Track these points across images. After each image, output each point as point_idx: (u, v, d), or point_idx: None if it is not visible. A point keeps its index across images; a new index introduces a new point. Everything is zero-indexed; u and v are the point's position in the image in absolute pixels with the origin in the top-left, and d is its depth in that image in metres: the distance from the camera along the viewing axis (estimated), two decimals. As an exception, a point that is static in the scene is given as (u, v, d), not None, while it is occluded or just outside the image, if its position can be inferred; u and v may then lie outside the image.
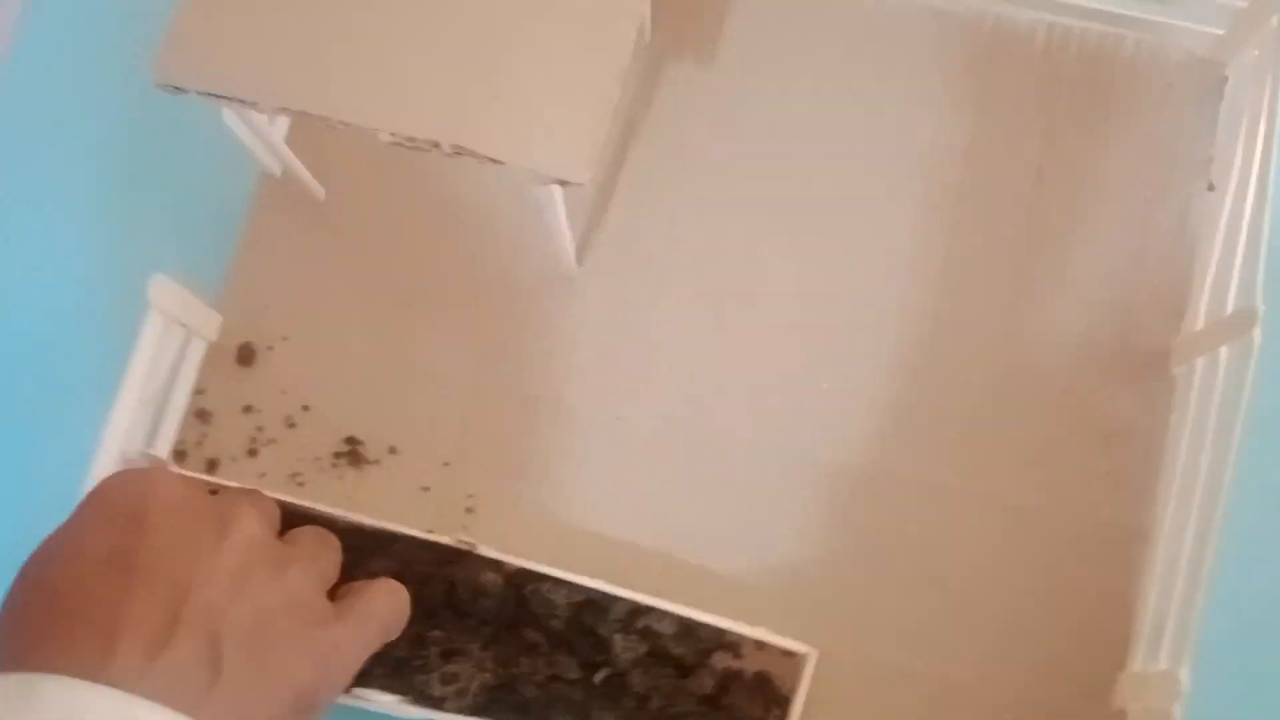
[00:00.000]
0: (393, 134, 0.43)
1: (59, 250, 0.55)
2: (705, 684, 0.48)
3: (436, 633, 0.48)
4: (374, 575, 0.43)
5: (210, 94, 0.44)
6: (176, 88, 0.44)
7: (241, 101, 0.44)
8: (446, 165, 0.56)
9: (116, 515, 0.36)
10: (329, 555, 0.42)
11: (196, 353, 0.54)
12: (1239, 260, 0.49)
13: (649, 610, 0.48)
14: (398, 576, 0.44)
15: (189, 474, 0.40)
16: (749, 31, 0.58)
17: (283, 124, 0.55)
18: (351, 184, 0.57)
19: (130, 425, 0.49)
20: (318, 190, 0.56)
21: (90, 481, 0.47)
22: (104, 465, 0.48)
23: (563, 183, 0.43)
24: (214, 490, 0.42)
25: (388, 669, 0.47)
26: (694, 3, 0.58)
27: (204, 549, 0.36)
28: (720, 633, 0.49)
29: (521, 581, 0.49)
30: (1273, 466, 0.51)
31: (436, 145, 0.43)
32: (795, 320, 0.55)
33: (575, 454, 0.54)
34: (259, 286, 0.56)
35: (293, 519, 0.42)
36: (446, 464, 0.54)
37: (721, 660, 0.49)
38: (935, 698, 0.51)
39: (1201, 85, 0.56)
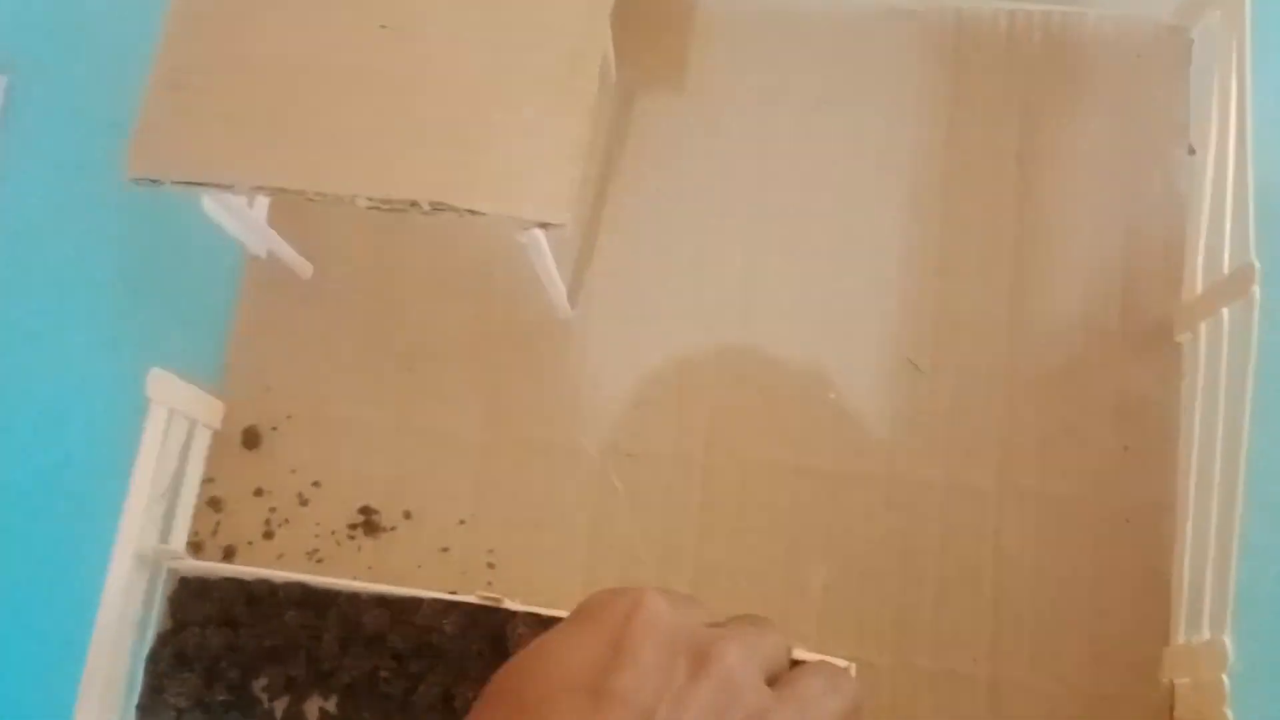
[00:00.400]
0: (370, 199, 0.43)
1: (54, 360, 0.56)
2: None
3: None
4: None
5: (185, 182, 0.44)
6: (151, 180, 0.44)
7: (217, 186, 0.44)
8: (431, 227, 0.56)
9: (598, 634, 0.34)
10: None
11: (202, 441, 0.54)
12: (1229, 219, 0.49)
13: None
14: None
15: (683, 595, 0.37)
16: (714, 54, 0.58)
17: (262, 205, 0.55)
18: (338, 257, 0.57)
19: (143, 524, 0.49)
20: (305, 267, 0.56)
21: (108, 583, 0.48)
22: (120, 566, 0.48)
23: (544, 225, 0.43)
24: (718, 624, 0.39)
25: None
26: (655, 34, 0.58)
27: (677, 680, 0.34)
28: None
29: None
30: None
31: (414, 204, 0.43)
32: (796, 334, 0.55)
33: (590, 496, 0.54)
34: (258, 368, 0.56)
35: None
36: (462, 522, 0.53)
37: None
38: (986, 698, 0.50)
39: (1169, 51, 0.56)
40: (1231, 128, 0.49)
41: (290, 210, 0.56)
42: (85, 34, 0.60)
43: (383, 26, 0.44)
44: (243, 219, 0.51)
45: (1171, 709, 0.49)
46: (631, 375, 0.55)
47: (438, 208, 0.43)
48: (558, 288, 0.52)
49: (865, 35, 0.57)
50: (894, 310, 0.55)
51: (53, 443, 0.55)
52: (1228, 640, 0.44)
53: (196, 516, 0.54)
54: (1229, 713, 0.43)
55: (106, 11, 0.60)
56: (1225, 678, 0.44)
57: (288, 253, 0.54)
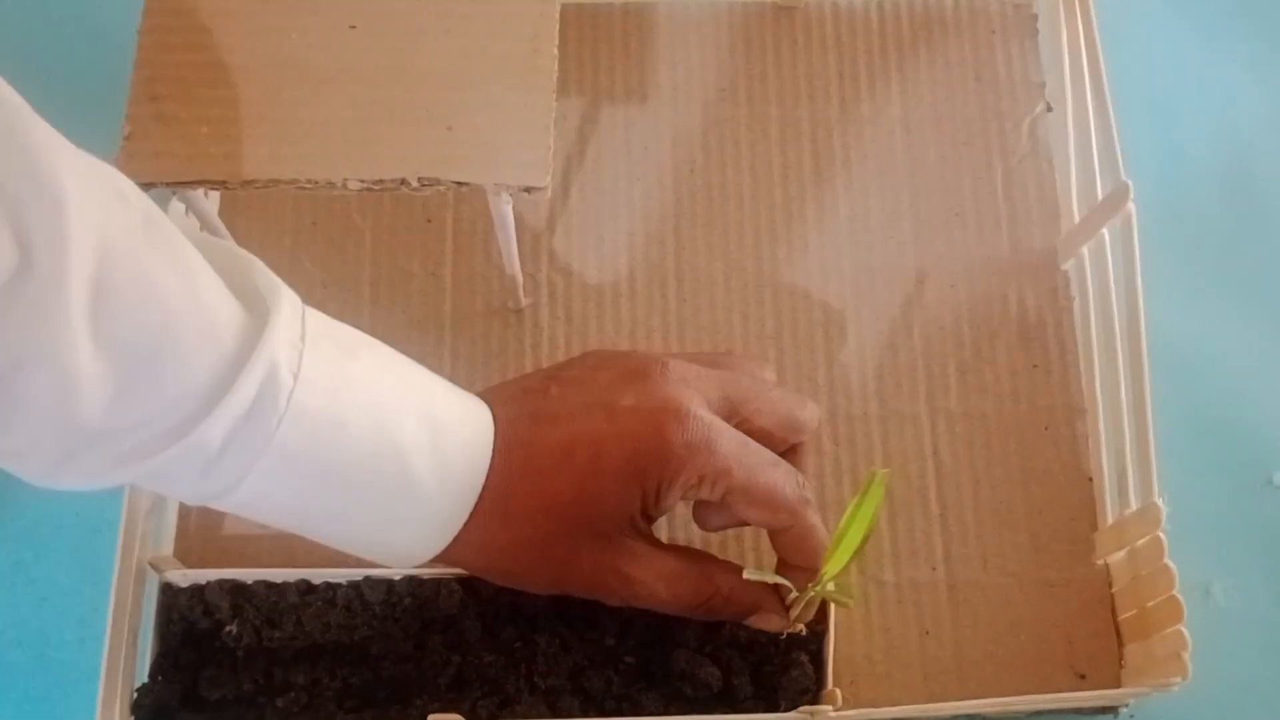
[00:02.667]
0: (360, 180, 0.46)
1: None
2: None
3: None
4: None
5: (177, 183, 0.46)
6: (144, 185, 0.46)
7: (209, 184, 0.46)
8: (375, 233, 0.59)
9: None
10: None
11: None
12: (1096, 156, 0.57)
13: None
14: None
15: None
16: (623, 55, 0.63)
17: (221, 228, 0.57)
18: (288, 271, 0.59)
19: (142, 532, 0.50)
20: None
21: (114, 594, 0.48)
22: (125, 577, 0.48)
23: (528, 189, 0.46)
24: None
25: None
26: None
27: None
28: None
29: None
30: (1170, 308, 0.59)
31: (404, 182, 0.46)
32: (732, 304, 0.60)
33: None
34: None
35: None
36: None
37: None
38: (947, 599, 0.55)
39: (1018, 24, 0.64)
40: (1086, 74, 0.57)
41: (240, 229, 0.58)
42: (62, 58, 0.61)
43: (352, 27, 0.48)
44: (208, 227, 0.53)
45: (1109, 584, 0.55)
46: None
47: (426, 183, 0.46)
48: (515, 271, 0.56)
49: (756, 29, 0.64)
50: (815, 270, 0.60)
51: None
52: (1159, 501, 0.50)
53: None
54: (1170, 563, 0.49)
55: (81, 34, 0.62)
56: (1161, 534, 0.50)
57: (247, 267, 0.56)
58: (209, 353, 0.36)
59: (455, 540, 0.44)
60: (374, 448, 0.41)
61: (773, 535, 0.48)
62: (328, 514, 0.42)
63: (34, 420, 0.34)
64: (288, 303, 0.39)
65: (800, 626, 0.50)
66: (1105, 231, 0.56)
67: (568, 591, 0.47)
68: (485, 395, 0.46)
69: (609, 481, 0.44)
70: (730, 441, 0.45)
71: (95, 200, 0.34)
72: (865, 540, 0.44)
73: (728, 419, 0.46)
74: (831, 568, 0.45)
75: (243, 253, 0.41)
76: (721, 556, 0.52)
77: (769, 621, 0.49)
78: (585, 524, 0.45)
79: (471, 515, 0.43)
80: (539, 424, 0.44)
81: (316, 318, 0.41)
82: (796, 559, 0.48)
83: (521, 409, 0.45)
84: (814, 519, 0.47)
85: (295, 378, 0.38)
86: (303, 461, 0.39)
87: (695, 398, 0.45)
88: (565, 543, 0.45)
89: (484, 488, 0.43)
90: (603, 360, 0.48)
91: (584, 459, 0.44)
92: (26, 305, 0.32)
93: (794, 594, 0.48)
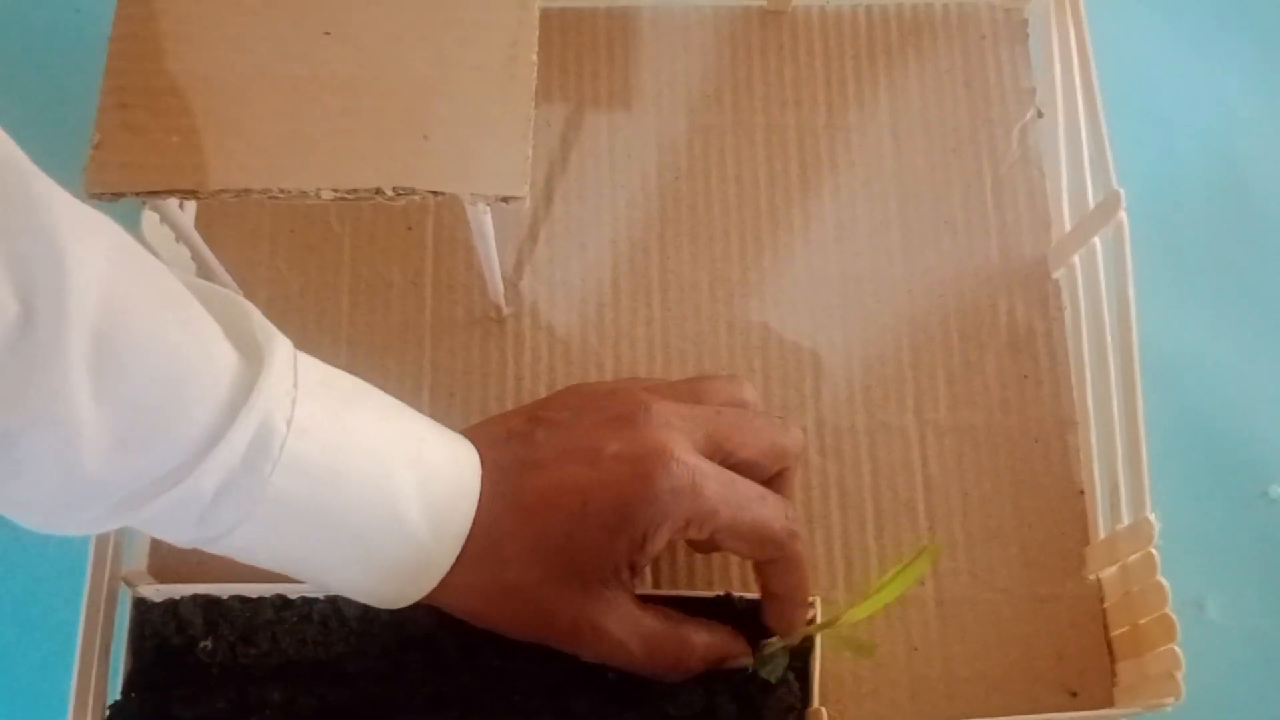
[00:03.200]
0: (335, 190, 0.45)
1: None
2: None
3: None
4: None
5: (147, 193, 0.45)
6: (112, 194, 0.45)
7: (179, 193, 0.45)
8: (355, 240, 0.58)
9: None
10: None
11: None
12: (1087, 163, 0.56)
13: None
14: None
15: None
16: (607, 61, 0.62)
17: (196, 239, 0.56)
18: (265, 279, 0.59)
19: (114, 546, 0.49)
20: (235, 291, 0.57)
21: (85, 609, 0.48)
22: (95, 592, 0.48)
23: (505, 199, 0.45)
24: None
25: None
26: (544, 43, 0.62)
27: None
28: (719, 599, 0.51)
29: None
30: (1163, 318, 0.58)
31: (379, 191, 0.45)
32: (715, 312, 0.59)
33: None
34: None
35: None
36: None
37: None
38: (935, 614, 0.54)
39: (1008, 30, 0.63)
40: (1077, 80, 0.56)
41: (218, 237, 0.57)
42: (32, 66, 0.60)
43: (326, 33, 0.47)
44: (183, 238, 0.52)
45: (1101, 600, 0.54)
46: (565, 364, 0.58)
47: (401, 192, 0.45)
48: (496, 280, 0.55)
49: (742, 35, 0.63)
50: (802, 278, 0.59)
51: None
52: (1152, 517, 0.49)
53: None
54: (1162, 580, 0.48)
55: (50, 42, 0.61)
56: (1154, 550, 0.49)
57: (222, 275, 0.55)
58: (205, 402, 0.37)
59: (441, 584, 0.44)
60: (368, 495, 0.41)
61: (758, 564, 0.48)
62: (322, 560, 0.43)
63: (36, 473, 0.35)
64: (282, 351, 0.40)
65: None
66: (1097, 240, 0.55)
67: (545, 640, 0.47)
68: (470, 435, 0.46)
69: (595, 529, 0.44)
70: (715, 482, 0.45)
71: (95, 253, 0.34)
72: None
73: (712, 456, 0.46)
74: (853, 615, 0.47)
75: (240, 300, 0.41)
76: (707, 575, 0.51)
77: (742, 662, 0.49)
78: (570, 572, 0.45)
79: (459, 559, 0.44)
80: (525, 471, 0.45)
81: (310, 365, 0.41)
82: (780, 589, 0.48)
83: (507, 454, 0.45)
84: (801, 551, 0.47)
85: (289, 426, 0.39)
86: (297, 509, 0.40)
87: (679, 441, 0.45)
88: (548, 591, 0.45)
89: (471, 533, 0.44)
90: (586, 400, 0.48)
91: (570, 507, 0.44)
92: (29, 360, 0.33)
93: (775, 642, 0.48)
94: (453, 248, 0.60)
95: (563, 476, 0.44)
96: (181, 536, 0.40)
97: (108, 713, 0.49)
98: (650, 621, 0.47)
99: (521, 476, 0.45)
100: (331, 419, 0.40)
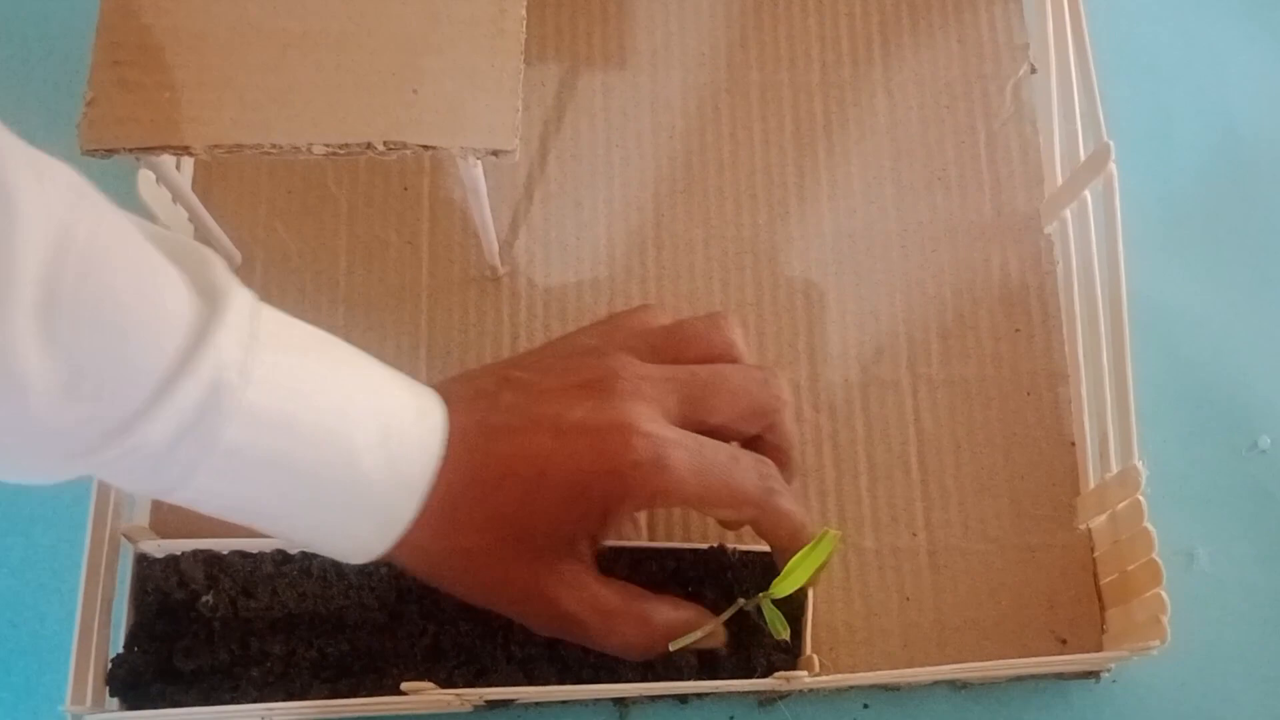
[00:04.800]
0: (326, 145, 0.46)
1: None
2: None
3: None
4: None
5: (140, 149, 0.45)
6: (106, 150, 0.45)
7: (173, 149, 0.46)
8: (352, 201, 0.59)
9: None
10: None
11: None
12: (1079, 117, 0.56)
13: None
14: None
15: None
16: (602, 22, 0.62)
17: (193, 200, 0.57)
18: (264, 244, 0.59)
19: (115, 502, 0.50)
20: (234, 255, 0.58)
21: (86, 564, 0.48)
22: (96, 547, 0.48)
23: (495, 153, 0.46)
24: None
25: None
26: (539, 6, 0.62)
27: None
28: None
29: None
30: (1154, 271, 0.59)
31: (369, 146, 0.46)
32: (710, 270, 0.59)
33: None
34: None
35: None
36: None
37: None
38: (928, 565, 0.55)
39: (1001, -14, 0.63)
40: (1070, 36, 0.56)
41: (215, 200, 0.58)
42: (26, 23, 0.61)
43: (316, -11, 0.47)
44: (181, 197, 0.52)
45: (1091, 549, 0.54)
46: (560, 323, 0.58)
47: (392, 147, 0.46)
48: (490, 239, 0.55)
49: (736, -6, 0.63)
50: (796, 236, 0.60)
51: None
52: (1139, 464, 0.49)
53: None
54: (1150, 526, 0.49)
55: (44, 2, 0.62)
56: (1141, 497, 0.49)
57: (219, 237, 0.56)
58: (157, 351, 0.36)
59: (401, 542, 0.43)
60: (324, 446, 0.40)
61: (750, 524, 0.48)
62: (277, 512, 0.42)
63: None
64: (240, 300, 0.38)
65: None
66: (1088, 193, 0.55)
67: (498, 608, 0.47)
68: (442, 389, 0.45)
69: (551, 501, 0.43)
70: (682, 451, 0.44)
71: (50, 198, 0.33)
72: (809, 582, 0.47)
73: (685, 422, 0.45)
74: (774, 594, 0.47)
75: (201, 249, 0.40)
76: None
77: (710, 641, 0.48)
78: (524, 542, 0.44)
79: (418, 518, 0.43)
80: (488, 437, 0.44)
81: (270, 316, 0.40)
82: (776, 542, 0.47)
83: (472, 416, 0.44)
84: (783, 505, 0.46)
85: (244, 376, 0.37)
86: (252, 460, 0.39)
87: (646, 411, 0.44)
88: (500, 558, 0.44)
89: (432, 492, 0.43)
90: (559, 359, 0.47)
91: (527, 476, 0.43)
92: None
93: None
94: (449, 208, 0.60)
95: (523, 444, 0.43)
96: (139, 486, 0.40)
97: (110, 666, 0.50)
98: (608, 596, 0.46)
99: (484, 441, 0.44)
100: (288, 370, 0.39)
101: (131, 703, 0.49)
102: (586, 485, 0.43)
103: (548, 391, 0.45)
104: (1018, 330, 0.58)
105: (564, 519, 0.44)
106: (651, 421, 0.44)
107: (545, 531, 0.44)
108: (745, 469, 0.46)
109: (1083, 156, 0.55)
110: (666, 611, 0.47)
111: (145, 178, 0.52)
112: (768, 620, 0.47)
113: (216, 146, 0.46)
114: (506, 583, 0.45)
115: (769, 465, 0.47)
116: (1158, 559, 0.48)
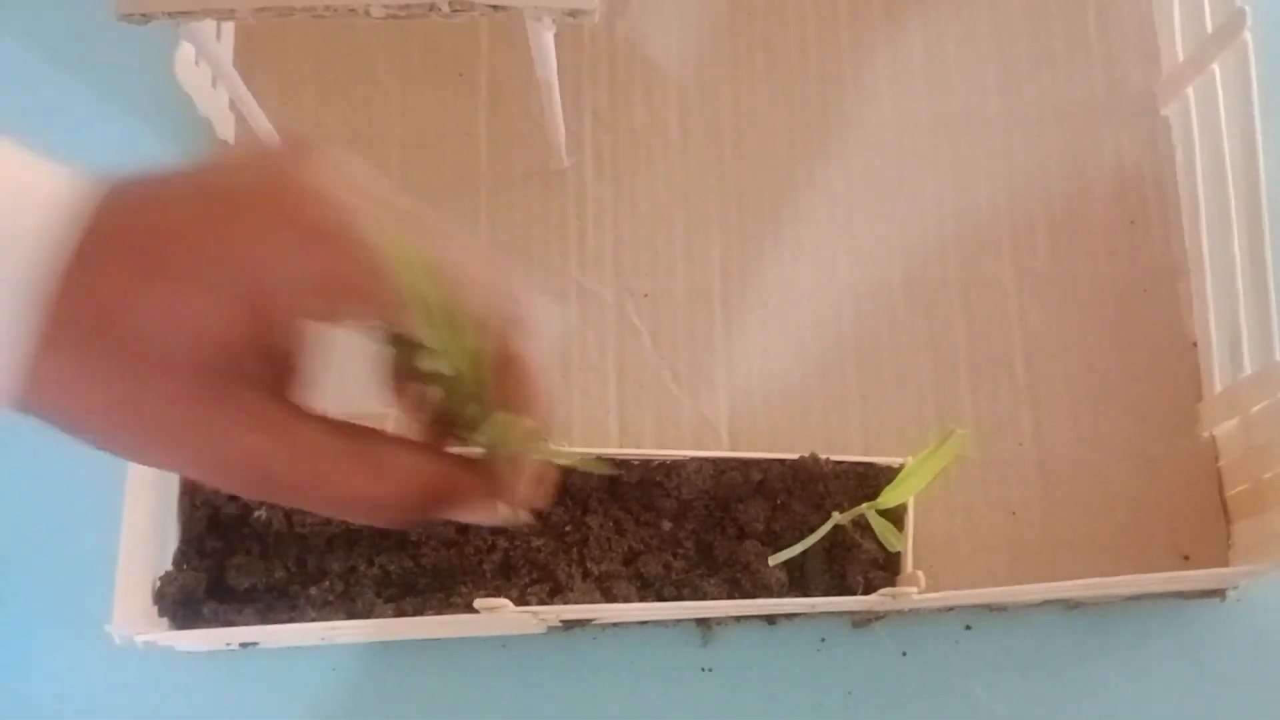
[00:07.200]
0: (385, 5, 0.41)
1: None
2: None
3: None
4: None
5: (180, 12, 0.41)
6: (143, 15, 0.41)
7: (215, 12, 0.41)
8: (403, 89, 0.54)
9: None
10: None
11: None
12: (1204, -16, 0.51)
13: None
14: None
15: None
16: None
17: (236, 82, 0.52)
18: (311, 127, 0.55)
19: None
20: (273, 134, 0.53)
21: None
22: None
23: (574, 13, 0.41)
24: None
25: None
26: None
27: None
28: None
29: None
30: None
31: (434, 8, 0.41)
32: (791, 159, 0.54)
33: (612, 340, 0.52)
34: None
35: None
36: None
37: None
38: (1037, 477, 0.50)
39: None
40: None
41: (259, 84, 0.53)
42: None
43: None
44: (221, 76, 0.48)
45: (1216, 458, 0.50)
46: (631, 220, 0.54)
47: (458, 8, 0.41)
48: (557, 124, 0.50)
49: None
50: (888, 120, 0.55)
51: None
52: (1280, 360, 0.45)
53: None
54: (1295, 427, 0.44)
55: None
56: (1282, 396, 0.45)
57: (260, 120, 0.51)
58: None
59: (38, 381, 0.29)
60: None
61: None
62: None
63: None
64: None
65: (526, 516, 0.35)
66: (1216, 68, 0.50)
67: (169, 465, 0.32)
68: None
69: (194, 289, 0.30)
70: (373, 218, 0.30)
71: None
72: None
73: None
74: (884, 503, 0.44)
75: None
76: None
77: (485, 513, 0.34)
78: (172, 362, 0.30)
79: (46, 344, 0.29)
80: (138, 212, 0.30)
81: None
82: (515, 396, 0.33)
83: (133, 192, 0.30)
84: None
85: None
86: None
87: (347, 193, 0.30)
88: (154, 390, 0.30)
89: (61, 300, 0.29)
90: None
91: (178, 263, 0.30)
92: None
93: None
94: (508, 96, 0.55)
95: (170, 219, 0.30)
96: None
97: (158, 584, 0.47)
98: (313, 432, 0.32)
99: (132, 218, 0.30)
100: None
101: (182, 623, 0.46)
102: (238, 260, 0.30)
103: (226, 165, 0.32)
104: (1132, 221, 0.53)
105: (212, 315, 0.30)
106: (349, 192, 0.30)
107: (194, 340, 0.30)
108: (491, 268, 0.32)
109: (1209, 27, 0.50)
110: (410, 458, 0.33)
111: (183, 57, 0.47)
112: (877, 532, 0.43)
113: (264, 9, 0.41)
114: (162, 428, 0.31)
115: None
116: (1303, 465, 0.43)
